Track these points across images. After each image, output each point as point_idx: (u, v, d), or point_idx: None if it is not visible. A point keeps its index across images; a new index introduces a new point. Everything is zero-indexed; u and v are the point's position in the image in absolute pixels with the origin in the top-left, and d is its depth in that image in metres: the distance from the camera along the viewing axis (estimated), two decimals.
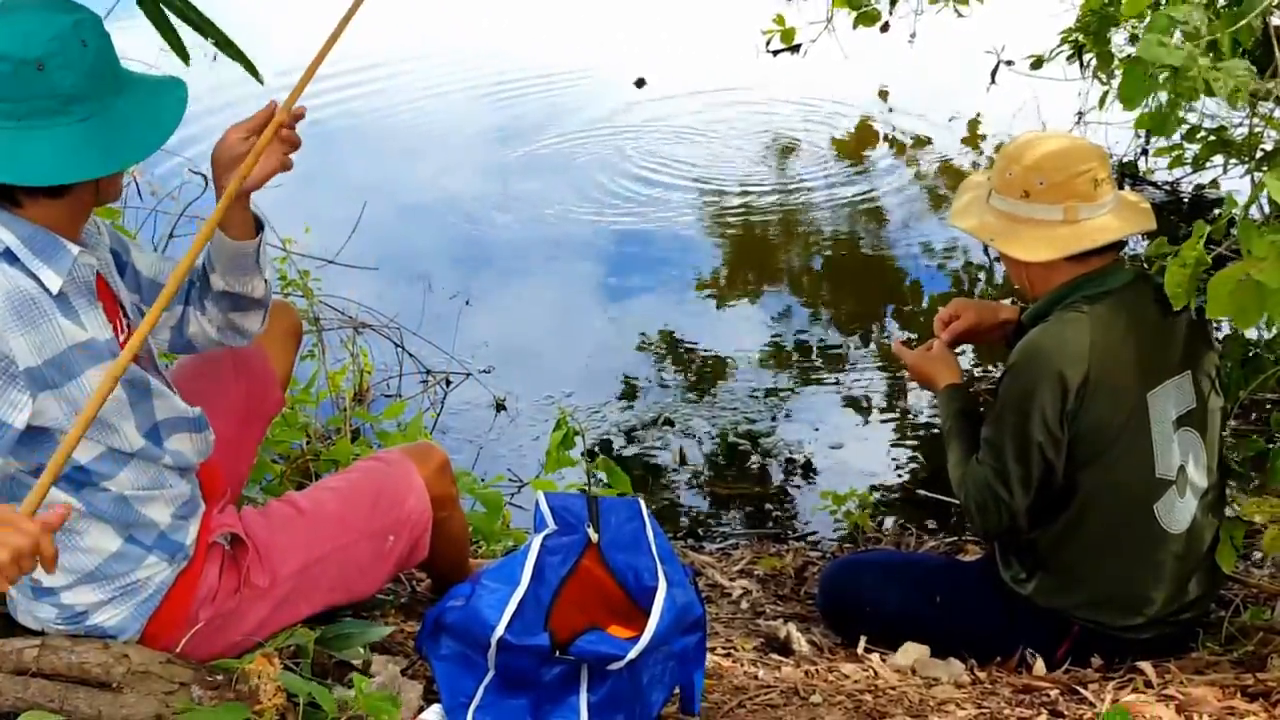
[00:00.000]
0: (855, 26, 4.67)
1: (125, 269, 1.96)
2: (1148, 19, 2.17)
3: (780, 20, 4.90)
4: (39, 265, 1.70)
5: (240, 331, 2.05)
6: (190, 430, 1.91)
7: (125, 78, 1.75)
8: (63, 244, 1.73)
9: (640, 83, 6.78)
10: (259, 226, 1.93)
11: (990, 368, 4.06)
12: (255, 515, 2.05)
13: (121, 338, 1.83)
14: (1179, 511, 2.27)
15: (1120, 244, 2.32)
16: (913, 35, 5.53)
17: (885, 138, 6.22)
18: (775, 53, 5.51)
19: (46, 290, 1.70)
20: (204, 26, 2.04)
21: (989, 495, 2.26)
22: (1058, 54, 4.60)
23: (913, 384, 4.08)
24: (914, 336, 4.36)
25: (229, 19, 2.12)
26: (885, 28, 5.24)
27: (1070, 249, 2.25)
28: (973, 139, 6.12)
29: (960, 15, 4.96)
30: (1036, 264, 2.28)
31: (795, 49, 5.29)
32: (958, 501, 2.40)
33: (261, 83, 2.12)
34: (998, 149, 5.76)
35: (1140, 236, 5.04)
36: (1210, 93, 2.14)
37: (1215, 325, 4.16)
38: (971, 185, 2.48)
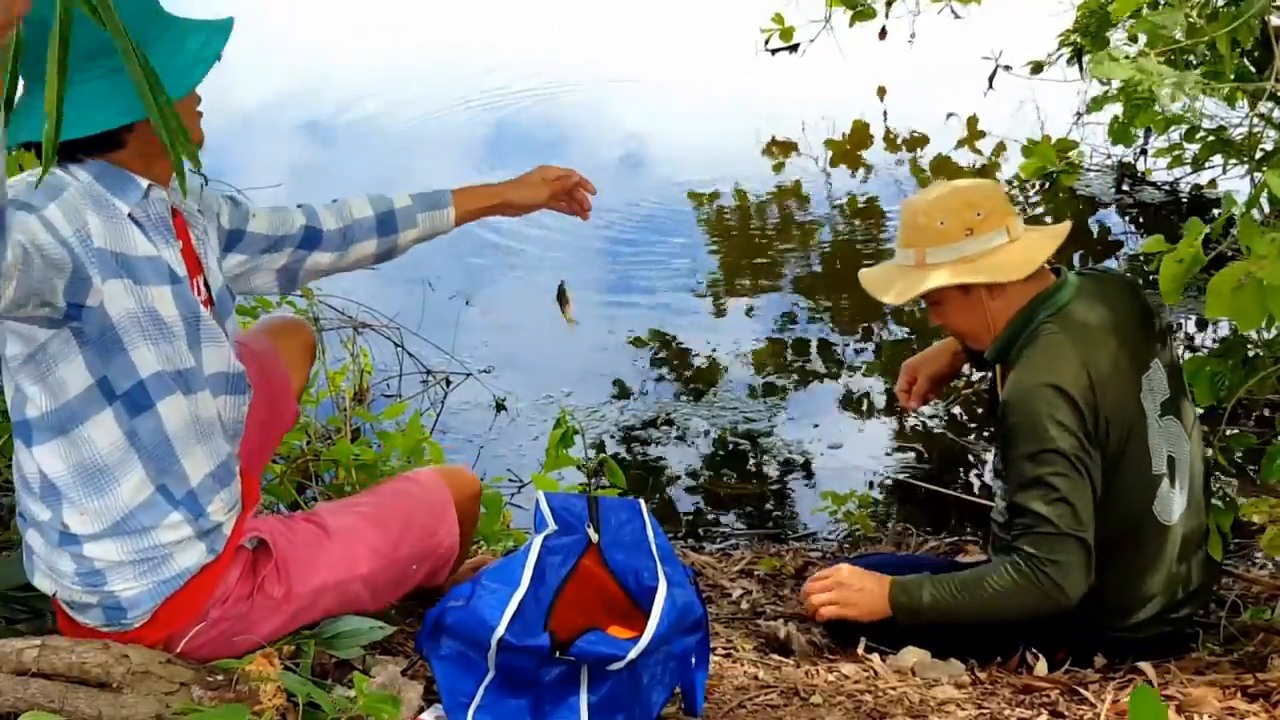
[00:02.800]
0: (852, 24, 4.67)
1: (241, 238, 2.05)
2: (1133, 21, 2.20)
3: (779, 19, 4.91)
4: (109, 196, 1.74)
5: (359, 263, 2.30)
6: (228, 392, 1.93)
7: (165, 24, 1.75)
8: (132, 177, 1.77)
9: None
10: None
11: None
12: (279, 526, 2.02)
13: (200, 296, 1.87)
14: (1171, 502, 2.28)
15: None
16: (912, 36, 5.54)
17: (883, 137, 6.22)
18: (774, 51, 5.52)
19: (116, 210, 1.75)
20: None
21: (1063, 547, 2.15)
22: (1058, 57, 4.61)
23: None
24: (911, 336, 4.37)
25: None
26: (883, 34, 5.26)
27: (1044, 254, 2.26)
28: (970, 138, 6.13)
29: (958, 17, 4.97)
30: (997, 299, 2.28)
31: (794, 48, 5.29)
32: (1008, 613, 2.23)
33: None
34: (997, 146, 5.81)
35: (1138, 237, 5.05)
36: (1171, 100, 2.17)
37: (1214, 325, 4.19)
38: (881, 268, 2.48)
